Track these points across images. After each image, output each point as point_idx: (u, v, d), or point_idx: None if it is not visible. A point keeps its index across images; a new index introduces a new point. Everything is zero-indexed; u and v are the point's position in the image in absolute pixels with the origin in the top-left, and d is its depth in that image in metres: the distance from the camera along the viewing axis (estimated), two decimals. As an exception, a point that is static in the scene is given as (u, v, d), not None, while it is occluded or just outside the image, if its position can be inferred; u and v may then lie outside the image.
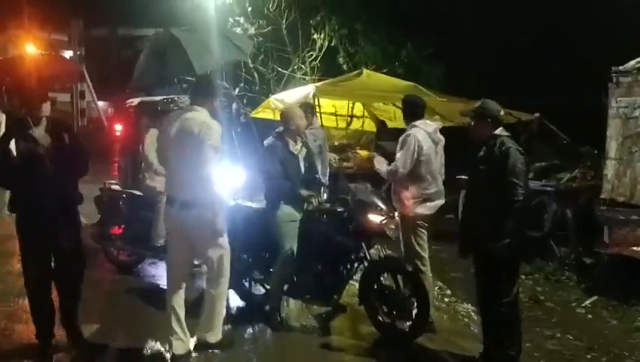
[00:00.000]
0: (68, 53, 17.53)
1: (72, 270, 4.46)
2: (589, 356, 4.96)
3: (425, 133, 5.32)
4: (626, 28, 9.81)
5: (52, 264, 4.43)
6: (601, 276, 6.48)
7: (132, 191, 7.19)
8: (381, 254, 5.34)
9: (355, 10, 12.91)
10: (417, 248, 5.34)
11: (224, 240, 4.64)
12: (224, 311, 4.88)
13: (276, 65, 13.12)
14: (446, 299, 6.30)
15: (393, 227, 5.21)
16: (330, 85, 9.23)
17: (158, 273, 7.10)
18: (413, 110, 5.48)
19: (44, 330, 4.45)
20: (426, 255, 5.41)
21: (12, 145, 4.11)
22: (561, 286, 6.71)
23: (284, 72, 12.78)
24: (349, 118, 11.92)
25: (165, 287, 6.51)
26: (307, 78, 12.63)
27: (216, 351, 4.82)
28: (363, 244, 5.21)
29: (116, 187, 7.40)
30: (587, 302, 6.14)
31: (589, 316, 5.89)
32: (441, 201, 5.54)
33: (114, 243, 7.18)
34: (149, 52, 7.74)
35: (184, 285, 4.74)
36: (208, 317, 4.72)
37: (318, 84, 9.19)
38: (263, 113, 10.60)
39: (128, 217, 7.09)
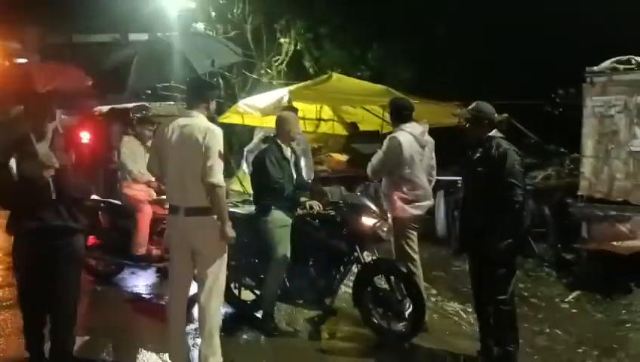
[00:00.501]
0: (23, 61, 17.01)
1: (68, 299, 4.15)
2: (580, 350, 5.09)
3: (411, 136, 5.38)
4: (594, 31, 10.14)
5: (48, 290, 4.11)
6: (581, 271, 6.66)
7: (110, 200, 7.04)
8: (374, 256, 5.37)
9: (321, 14, 12.93)
10: (409, 249, 5.40)
11: (225, 254, 4.48)
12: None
13: (241, 69, 13.03)
14: (433, 299, 6.36)
15: (386, 229, 5.24)
16: (303, 89, 9.19)
17: (139, 282, 6.98)
18: (401, 113, 5.52)
19: (36, 348, 4.26)
20: (417, 256, 5.46)
21: (12, 163, 3.77)
22: (542, 282, 6.88)
23: (252, 76, 12.70)
24: (317, 122, 11.92)
25: (147, 296, 6.50)
26: (274, 82, 12.58)
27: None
28: (356, 247, 5.22)
29: (93, 196, 7.20)
30: (570, 297, 6.31)
31: (574, 311, 6.05)
32: (429, 202, 5.63)
33: (92, 253, 6.98)
34: (143, 58, 7.62)
35: (185, 297, 4.57)
36: (207, 339, 4.46)
37: (291, 87, 9.13)
38: (230, 118, 10.47)
39: (107, 226, 6.93)
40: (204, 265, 4.42)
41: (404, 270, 5.21)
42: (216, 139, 4.24)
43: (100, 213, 6.98)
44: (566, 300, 6.28)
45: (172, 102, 11.29)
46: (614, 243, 6.16)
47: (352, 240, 5.22)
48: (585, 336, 5.35)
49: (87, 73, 7.50)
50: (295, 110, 7.08)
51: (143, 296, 6.63)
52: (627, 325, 5.56)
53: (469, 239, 4.64)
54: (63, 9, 19.02)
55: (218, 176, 4.19)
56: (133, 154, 6.84)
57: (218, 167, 4.20)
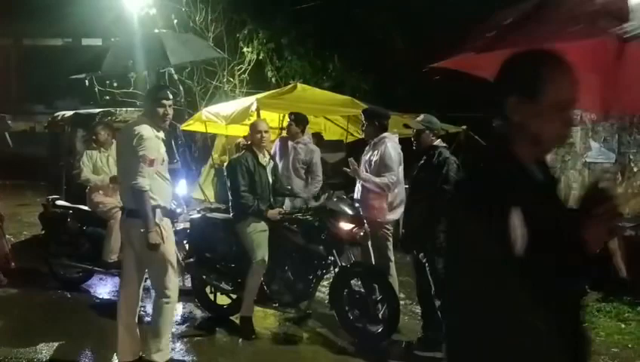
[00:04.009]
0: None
1: None
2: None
3: (394, 144, 5.63)
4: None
5: None
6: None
7: (79, 206, 6.99)
8: (351, 260, 5.56)
9: (283, 25, 13.14)
10: (388, 252, 5.63)
11: (171, 256, 4.60)
12: (170, 330, 4.86)
13: (203, 77, 13.07)
14: (402, 302, 6.54)
15: (362, 234, 5.44)
16: (269, 98, 9.31)
17: (107, 289, 6.95)
18: (384, 121, 5.76)
19: None
20: (393, 258, 5.71)
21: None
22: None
23: (213, 83, 12.74)
24: (279, 131, 12.05)
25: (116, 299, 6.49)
26: (237, 91, 12.67)
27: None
28: (334, 251, 5.40)
29: (61, 202, 7.15)
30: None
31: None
32: (402, 208, 5.87)
33: (61, 260, 6.92)
34: (120, 46, 7.73)
35: (136, 298, 4.67)
36: (154, 337, 4.61)
37: (258, 96, 9.24)
38: (193, 126, 10.51)
39: (77, 233, 6.88)
40: (148, 268, 4.64)
41: (380, 273, 5.45)
42: (144, 144, 4.36)
43: (68, 219, 6.94)
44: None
45: (135, 109, 11.23)
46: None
47: (329, 245, 5.41)
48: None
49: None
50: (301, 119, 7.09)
51: (114, 299, 6.60)
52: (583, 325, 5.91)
53: (412, 239, 5.04)
54: (12, 11, 18.59)
55: (139, 180, 4.32)
56: (93, 162, 6.83)
57: (142, 171, 4.33)
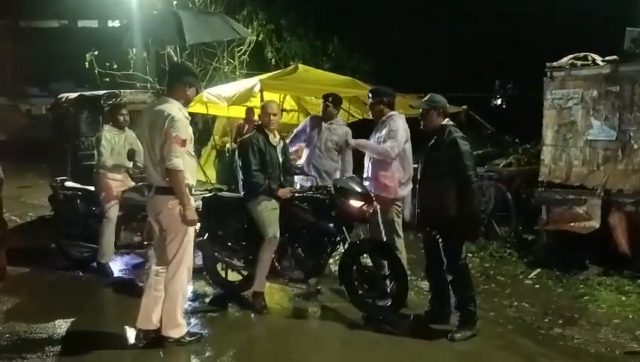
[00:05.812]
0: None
1: None
2: (546, 320, 5.56)
3: (402, 121, 5.75)
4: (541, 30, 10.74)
5: None
6: (541, 251, 7.18)
7: (87, 187, 7.07)
8: (360, 237, 5.70)
9: (282, 6, 13.17)
10: (398, 228, 5.77)
11: (192, 234, 4.75)
12: (184, 306, 4.99)
13: (202, 59, 13.09)
14: (408, 278, 6.72)
15: (371, 211, 5.56)
16: (272, 79, 9.37)
17: (118, 266, 7.06)
18: (391, 100, 5.86)
19: None
20: (402, 235, 5.84)
21: None
22: (505, 261, 7.37)
23: (214, 64, 12.76)
24: (280, 112, 12.09)
25: (128, 278, 6.64)
26: (236, 72, 12.71)
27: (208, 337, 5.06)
28: (343, 229, 5.53)
29: (70, 183, 7.23)
30: (532, 274, 6.81)
31: (537, 286, 6.55)
32: (411, 185, 5.98)
33: (71, 241, 7.02)
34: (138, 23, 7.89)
35: (162, 274, 4.76)
36: (170, 313, 4.74)
37: (262, 77, 9.31)
38: (194, 107, 10.54)
39: (86, 214, 6.97)
40: (168, 244, 4.71)
41: (389, 249, 5.59)
42: (177, 126, 4.46)
43: (77, 200, 7.03)
44: (529, 277, 6.78)
45: (139, 90, 11.26)
46: (572, 224, 6.70)
47: (339, 222, 5.53)
48: (549, 308, 5.84)
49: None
50: (336, 100, 6.89)
51: (126, 277, 6.77)
52: (585, 297, 6.08)
53: (427, 217, 5.16)
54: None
55: (174, 161, 4.43)
56: (112, 145, 6.82)
57: (176, 152, 4.44)
